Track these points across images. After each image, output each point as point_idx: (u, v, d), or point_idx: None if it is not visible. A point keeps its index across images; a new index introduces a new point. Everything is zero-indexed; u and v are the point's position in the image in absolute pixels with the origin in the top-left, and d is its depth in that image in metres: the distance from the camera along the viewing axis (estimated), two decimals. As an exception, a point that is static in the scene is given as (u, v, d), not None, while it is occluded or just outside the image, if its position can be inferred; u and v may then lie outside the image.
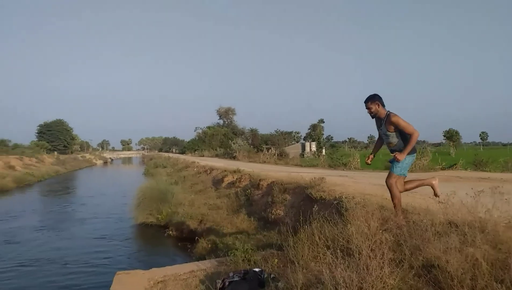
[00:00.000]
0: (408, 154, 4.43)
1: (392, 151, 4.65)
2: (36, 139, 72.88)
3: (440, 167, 13.85)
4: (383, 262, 3.10)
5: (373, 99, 4.54)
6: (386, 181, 4.59)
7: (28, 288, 7.86)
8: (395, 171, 4.51)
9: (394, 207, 4.52)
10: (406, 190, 4.73)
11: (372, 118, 4.67)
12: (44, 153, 59.70)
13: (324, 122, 63.85)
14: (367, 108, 4.60)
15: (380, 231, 3.82)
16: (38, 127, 77.25)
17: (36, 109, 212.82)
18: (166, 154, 69.01)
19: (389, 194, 4.62)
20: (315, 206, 5.17)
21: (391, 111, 4.53)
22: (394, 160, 4.49)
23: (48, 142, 71.26)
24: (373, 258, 3.15)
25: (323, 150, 37.71)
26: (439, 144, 67.54)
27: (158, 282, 4.60)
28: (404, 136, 4.45)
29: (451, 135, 49.31)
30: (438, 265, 3.12)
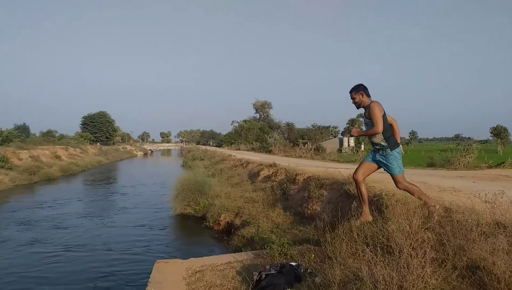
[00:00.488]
0: (394, 148, 4.39)
1: (372, 144, 4.55)
2: (80, 130, 76.03)
3: (487, 165, 13.21)
4: (425, 261, 3.02)
5: (357, 89, 4.50)
6: (399, 187, 4.53)
7: (73, 272, 8.25)
8: (396, 172, 4.46)
9: (425, 203, 4.38)
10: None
11: (358, 108, 4.60)
12: (88, 144, 62.24)
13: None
14: (352, 98, 4.55)
15: (422, 229, 3.71)
16: (82, 119, 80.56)
17: (81, 102, 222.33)
18: (203, 147, 70.23)
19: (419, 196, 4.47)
20: (353, 203, 5.09)
21: (376, 100, 4.45)
22: (387, 165, 4.47)
23: (91, 133, 74.20)
24: (414, 256, 3.07)
25: (362, 146, 36.91)
26: (485, 141, 64.42)
27: (196, 272, 4.70)
28: (386, 126, 4.38)
29: (499, 132, 46.70)
30: (483, 266, 3.00)
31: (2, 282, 7.67)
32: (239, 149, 47.72)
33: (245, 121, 65.46)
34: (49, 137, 57.54)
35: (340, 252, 4.02)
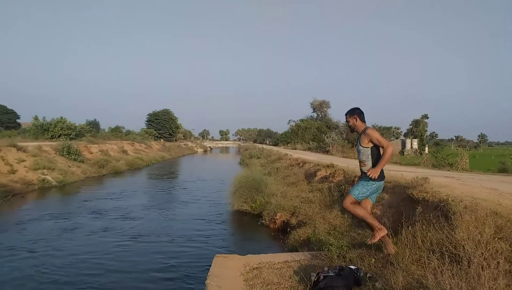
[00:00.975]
0: (376, 180, 4.28)
1: (361, 172, 4.48)
2: (146, 127, 79.76)
3: None
4: (497, 273, 2.82)
5: (352, 113, 4.52)
6: (343, 204, 4.51)
7: (138, 260, 8.75)
8: (352, 192, 4.43)
9: (371, 225, 4.43)
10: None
11: (352, 131, 4.59)
12: (152, 140, 65.27)
13: (428, 117, 58.89)
14: (346, 120, 4.55)
15: (495, 239, 3.46)
16: (148, 116, 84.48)
17: (146, 99, 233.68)
18: (260, 145, 70.78)
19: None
20: (418, 207, 4.87)
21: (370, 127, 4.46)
22: (364, 177, 4.38)
23: (155, 130, 77.57)
24: (486, 267, 2.88)
25: (426, 148, 35.17)
26: None
27: (253, 269, 4.76)
28: (378, 155, 4.30)
29: None
30: None
31: (76, 266, 8.31)
32: (295, 149, 47.51)
33: (302, 120, 64.99)
34: (117, 132, 61.07)
35: (402, 258, 3.88)
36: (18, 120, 54.56)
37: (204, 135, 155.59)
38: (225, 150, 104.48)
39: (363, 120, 4.50)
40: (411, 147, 40.27)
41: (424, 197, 6.52)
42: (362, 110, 4.57)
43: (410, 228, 4.32)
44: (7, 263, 8.42)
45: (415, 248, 3.97)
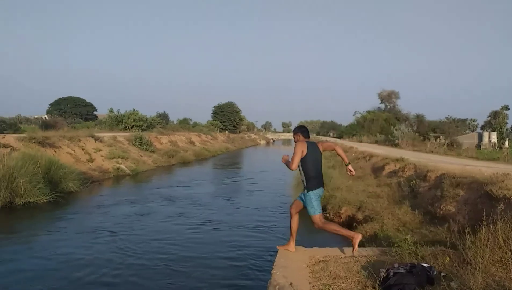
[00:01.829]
0: (311, 190, 4.78)
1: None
2: (211, 119, 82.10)
3: None
4: None
5: (294, 131, 5.10)
6: (315, 227, 4.95)
7: (207, 246, 9.18)
8: (311, 213, 5.02)
9: (346, 236, 4.88)
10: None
11: None
12: (217, 131, 67.04)
13: (508, 108, 53.96)
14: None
15: None
16: (213, 108, 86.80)
17: (212, 92, 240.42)
18: (323, 138, 69.70)
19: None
20: (499, 205, 4.53)
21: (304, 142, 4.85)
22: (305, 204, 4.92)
23: (220, 122, 79.52)
24: None
25: (506, 142, 32.43)
26: None
27: (319, 261, 4.73)
28: (306, 168, 4.78)
29: None
30: None
31: (151, 248, 8.90)
32: (361, 142, 46.15)
33: (368, 112, 62.93)
34: (185, 124, 63.57)
35: (482, 258, 3.63)
36: (95, 112, 58.74)
37: (266, 127, 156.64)
38: (287, 142, 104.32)
39: (305, 136, 4.96)
40: (489, 141, 37.33)
41: (505, 195, 6.03)
42: (306, 127, 5.14)
43: (492, 226, 4.03)
44: (91, 243, 9.26)
45: (496, 249, 3.70)
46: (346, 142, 42.52)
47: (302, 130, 4.96)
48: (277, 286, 4.05)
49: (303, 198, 4.90)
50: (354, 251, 4.74)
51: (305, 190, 4.81)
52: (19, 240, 9.42)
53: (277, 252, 5.45)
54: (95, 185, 18.14)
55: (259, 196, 16.01)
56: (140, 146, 28.99)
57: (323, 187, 4.95)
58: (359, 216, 10.33)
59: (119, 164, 22.98)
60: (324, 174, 13.87)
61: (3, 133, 20.01)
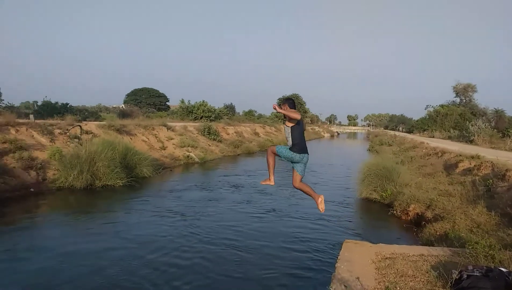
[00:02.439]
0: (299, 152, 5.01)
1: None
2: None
3: None
4: None
5: (282, 102, 5.10)
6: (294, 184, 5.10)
7: (270, 232, 9.61)
8: (299, 172, 5.14)
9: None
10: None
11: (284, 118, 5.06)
12: (281, 123, 67.07)
13: None
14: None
15: None
16: (278, 100, 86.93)
17: (277, 84, 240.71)
18: (392, 132, 66.99)
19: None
20: None
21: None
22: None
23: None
24: None
25: None
26: None
27: (385, 258, 4.66)
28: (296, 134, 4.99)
29: None
30: None
31: (219, 230, 9.55)
32: (433, 137, 43.64)
33: (441, 105, 59.15)
34: (250, 116, 64.48)
35: None
36: (167, 103, 61.58)
37: (331, 120, 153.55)
38: (353, 135, 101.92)
39: (292, 108, 5.01)
40: None
41: None
42: (293, 100, 5.23)
43: None
44: (165, 224, 10.03)
45: None
46: (416, 137, 40.57)
47: (289, 102, 5.17)
48: (342, 280, 4.07)
49: (284, 150, 5.18)
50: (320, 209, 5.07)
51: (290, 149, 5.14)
52: (102, 220, 10.42)
53: (341, 246, 5.45)
54: (166, 171, 19.17)
55: (323, 189, 15.89)
56: (208, 135, 30.02)
57: (307, 153, 5.25)
58: (429, 214, 9.90)
59: (189, 152, 24.02)
60: (392, 170, 13.56)
61: (86, 121, 21.73)
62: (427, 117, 60.75)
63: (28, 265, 6.93)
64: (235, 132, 37.23)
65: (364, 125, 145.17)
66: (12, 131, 15.05)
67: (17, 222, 9.75)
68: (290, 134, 5.10)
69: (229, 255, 7.86)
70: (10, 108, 25.17)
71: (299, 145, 5.12)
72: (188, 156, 23.40)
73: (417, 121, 67.66)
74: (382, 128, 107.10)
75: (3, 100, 29.95)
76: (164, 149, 22.79)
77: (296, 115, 4.76)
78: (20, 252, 7.64)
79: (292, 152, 5.12)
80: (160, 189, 15.14)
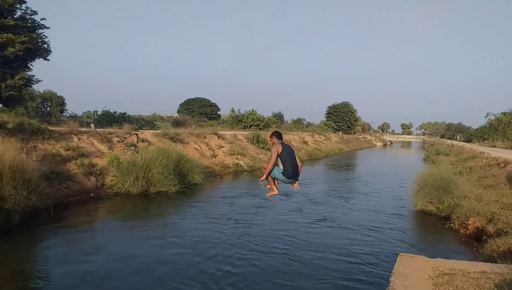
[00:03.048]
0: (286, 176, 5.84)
1: None
2: (325, 119, 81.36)
3: None
4: None
5: (270, 135, 6.17)
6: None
7: (323, 242, 9.53)
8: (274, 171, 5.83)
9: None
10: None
11: None
12: (331, 132, 66.33)
13: None
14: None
15: None
16: (327, 108, 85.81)
17: (328, 91, 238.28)
18: (449, 141, 63.79)
19: None
20: None
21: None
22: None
23: (334, 122, 78.27)
24: None
25: None
26: None
27: (443, 274, 4.44)
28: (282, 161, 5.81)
29: None
30: None
31: (268, 237, 9.77)
32: (494, 146, 41.04)
33: (504, 113, 55.55)
34: (299, 124, 64.28)
35: None
36: (218, 112, 62.97)
37: (383, 128, 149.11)
38: (407, 144, 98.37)
39: (279, 139, 5.95)
40: None
41: None
42: (279, 132, 6.17)
43: None
44: (218, 228, 10.49)
45: None
46: (476, 147, 38.35)
47: (276, 134, 6.03)
48: (396, 294, 3.94)
49: (277, 173, 5.83)
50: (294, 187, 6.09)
51: (282, 172, 5.82)
52: (157, 224, 10.94)
53: (396, 259, 5.27)
54: (217, 179, 19.60)
55: (375, 200, 15.49)
56: (257, 144, 30.30)
57: (296, 179, 6.01)
58: (490, 228, 9.31)
59: (238, 160, 24.38)
60: (449, 181, 12.94)
61: (142, 129, 22.73)
62: (488, 125, 57.32)
63: (88, 266, 7.37)
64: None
65: (419, 134, 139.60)
66: (75, 139, 16.08)
67: (78, 225, 10.41)
68: (279, 160, 5.78)
69: (280, 264, 7.88)
70: (73, 117, 27.00)
71: (289, 171, 5.80)
72: (237, 164, 23.76)
73: (476, 130, 63.96)
74: (438, 137, 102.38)
75: (67, 110, 32.26)
76: (215, 157, 23.30)
77: (273, 156, 5.62)
78: (82, 252, 8.13)
79: (283, 176, 5.83)
80: (211, 196, 15.57)
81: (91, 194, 13.56)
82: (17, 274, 7.02)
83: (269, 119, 45.02)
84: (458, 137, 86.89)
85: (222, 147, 25.38)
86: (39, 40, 16.67)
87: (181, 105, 62.49)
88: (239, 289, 6.59)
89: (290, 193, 15.89)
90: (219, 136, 26.76)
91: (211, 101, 61.60)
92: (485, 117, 61.10)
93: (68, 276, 6.85)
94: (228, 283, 6.75)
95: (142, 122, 28.45)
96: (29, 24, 16.21)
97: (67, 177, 13.31)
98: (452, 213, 11.23)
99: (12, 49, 15.00)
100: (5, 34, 14.75)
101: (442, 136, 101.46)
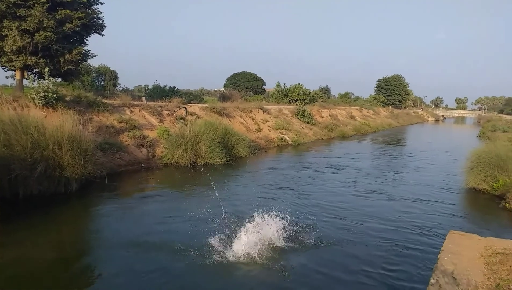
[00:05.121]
0: None
1: None
2: (374, 93, 78.75)
3: None
4: None
5: None
6: None
7: (373, 212, 9.75)
8: None
9: None
10: None
11: None
12: (380, 106, 64.23)
13: None
14: None
15: None
16: (378, 82, 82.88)
17: (378, 65, 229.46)
18: (508, 117, 59.94)
19: None
20: None
21: None
22: None
23: (384, 96, 75.61)
24: None
25: None
26: None
27: (497, 253, 4.30)
28: None
29: None
30: None
31: (322, 206, 10.12)
32: (561, 123, 38.17)
33: None
34: (346, 98, 62.74)
35: None
36: (264, 86, 62.75)
37: (436, 103, 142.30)
38: (461, 120, 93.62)
39: None
40: None
41: None
42: None
43: None
44: (265, 194, 11.11)
45: None
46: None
47: None
48: (445, 272, 3.88)
49: None
50: None
51: None
52: (208, 189, 11.21)
53: (446, 236, 5.14)
54: (261, 152, 19.80)
55: (425, 176, 15.07)
56: (302, 118, 30.02)
57: None
58: (551, 209, 8.81)
59: (283, 134, 24.38)
60: (506, 158, 12.36)
61: (190, 103, 23.21)
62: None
63: (138, 227, 7.85)
64: (329, 115, 36.63)
65: (474, 109, 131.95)
66: (127, 111, 16.78)
67: (131, 193, 11.01)
68: None
69: (331, 231, 8.12)
70: (126, 91, 28.03)
71: None
72: (282, 139, 23.78)
73: (540, 104, 59.45)
74: (496, 113, 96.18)
75: (120, 84, 33.52)
76: (260, 131, 23.45)
77: None
78: (133, 216, 8.64)
79: None
80: (258, 167, 15.99)
81: (142, 165, 14.20)
82: (74, 237, 7.59)
83: (315, 93, 44.24)
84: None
85: (267, 121, 25.43)
86: (94, 15, 17.22)
87: (228, 79, 62.87)
88: (293, 250, 6.87)
89: (339, 167, 16.18)
90: (264, 111, 26.78)
91: (257, 75, 61.36)
92: (552, 90, 56.40)
93: (121, 237, 7.31)
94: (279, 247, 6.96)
95: (191, 96, 29.01)
96: (85, 0, 16.76)
97: (120, 148, 14.00)
98: (508, 192, 10.75)
99: (69, 25, 15.62)
100: (63, 10, 15.35)
101: (500, 112, 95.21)
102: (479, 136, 35.23)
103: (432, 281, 3.83)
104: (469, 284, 3.57)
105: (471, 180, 12.26)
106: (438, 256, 4.39)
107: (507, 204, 10.24)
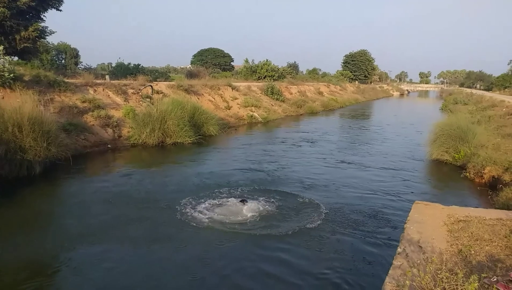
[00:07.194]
0: None
1: None
2: (341, 69, 79.41)
3: None
4: None
5: None
6: None
7: (343, 180, 10.44)
8: None
9: None
10: None
11: None
12: (347, 82, 64.95)
13: None
14: None
15: None
16: (344, 57, 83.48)
17: (346, 41, 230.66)
18: (468, 90, 62.17)
19: None
20: None
21: None
22: None
23: (351, 72, 76.37)
24: None
25: None
26: None
27: (459, 221, 4.48)
28: None
29: None
30: None
31: (289, 173, 10.79)
32: (516, 95, 39.95)
33: (529, 60, 53.49)
34: (314, 74, 62.90)
35: None
36: (232, 63, 61.87)
37: (401, 77, 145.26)
38: (424, 94, 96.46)
39: None
40: None
41: None
42: None
43: None
44: (231, 165, 11.87)
45: None
46: (496, 95, 37.35)
47: None
48: (411, 241, 4.01)
49: None
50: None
51: None
52: (177, 168, 11.57)
53: (411, 206, 5.31)
54: (231, 130, 19.73)
55: (389, 149, 15.53)
56: (271, 95, 29.98)
57: None
58: (507, 177, 9.28)
59: (252, 112, 24.31)
60: (467, 130, 12.83)
61: (156, 81, 22.61)
62: (510, 73, 55.43)
63: (104, 210, 7.67)
64: (298, 92, 36.79)
65: (437, 83, 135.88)
66: (91, 91, 16.18)
67: (97, 174, 10.93)
68: None
69: (300, 191, 9.02)
70: (88, 69, 26.93)
71: None
72: (251, 116, 23.72)
73: (497, 78, 62.05)
74: (457, 86, 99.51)
75: (82, 62, 32.14)
76: (229, 109, 23.26)
77: None
78: (99, 198, 8.44)
79: None
80: (228, 145, 16.16)
81: (109, 145, 13.85)
82: (37, 221, 7.34)
83: (283, 70, 44.10)
84: (478, 86, 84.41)
85: (236, 98, 25.23)
86: (51, -12, 16.25)
87: (195, 56, 61.60)
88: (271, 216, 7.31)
89: (311, 140, 16.57)
90: (233, 88, 26.51)
91: (225, 51, 60.37)
92: (508, 64, 58.87)
93: (86, 219, 7.22)
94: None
95: (156, 73, 28.19)
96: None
97: (85, 128, 13.56)
98: (468, 162, 11.19)
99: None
100: (16, -17, 14.42)
101: (461, 85, 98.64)
102: (442, 109, 36.39)
103: (399, 249, 3.95)
104: (433, 251, 3.71)
105: (434, 152, 12.70)
106: (404, 226, 4.53)
107: (467, 174, 10.67)
